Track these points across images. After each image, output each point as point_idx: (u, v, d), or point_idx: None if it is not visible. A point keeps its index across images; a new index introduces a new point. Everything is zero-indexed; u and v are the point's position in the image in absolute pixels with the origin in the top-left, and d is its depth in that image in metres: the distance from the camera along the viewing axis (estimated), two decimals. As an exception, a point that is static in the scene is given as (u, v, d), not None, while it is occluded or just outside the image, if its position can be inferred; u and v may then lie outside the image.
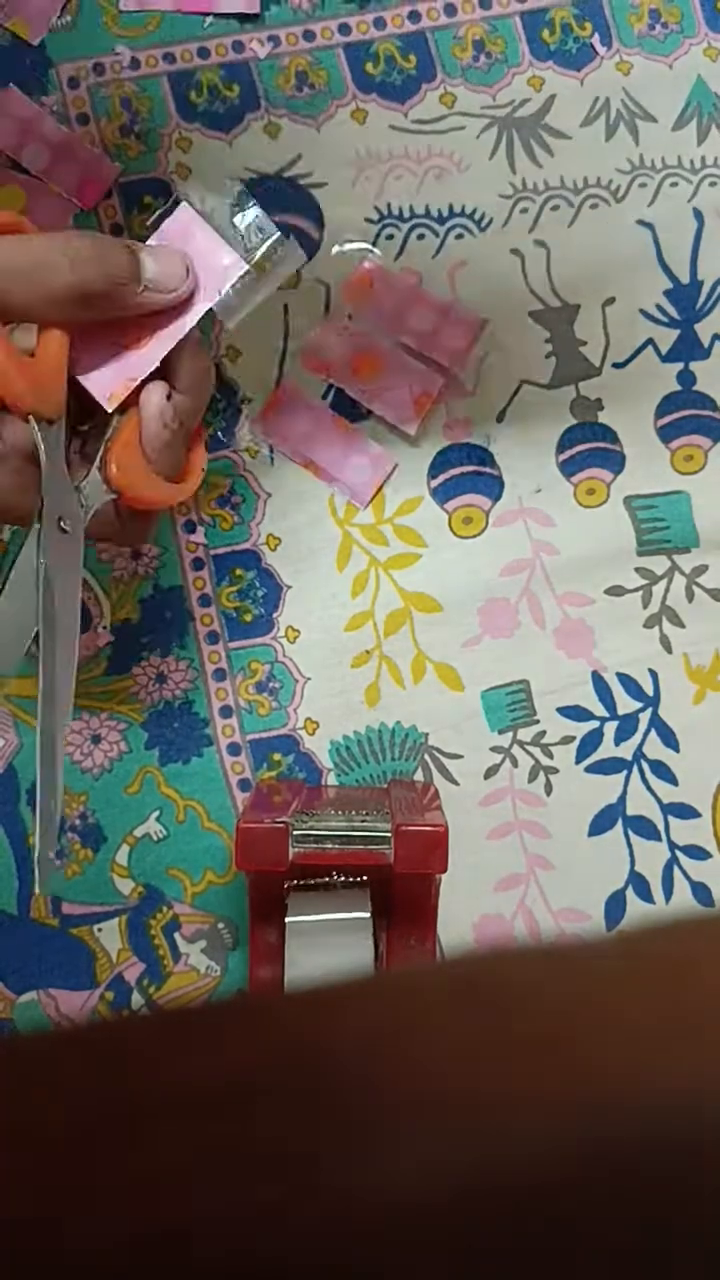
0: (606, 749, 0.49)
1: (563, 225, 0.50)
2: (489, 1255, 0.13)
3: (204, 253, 0.38)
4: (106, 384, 0.38)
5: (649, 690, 0.49)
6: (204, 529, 0.48)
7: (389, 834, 0.40)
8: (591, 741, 0.49)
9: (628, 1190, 0.13)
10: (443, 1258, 0.13)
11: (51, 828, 0.36)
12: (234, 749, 0.48)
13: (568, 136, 0.50)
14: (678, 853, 0.49)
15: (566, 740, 0.49)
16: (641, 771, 0.49)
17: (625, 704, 0.49)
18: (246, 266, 0.39)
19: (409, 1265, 0.13)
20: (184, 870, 0.48)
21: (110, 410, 0.38)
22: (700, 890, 0.49)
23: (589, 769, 0.49)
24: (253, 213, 0.45)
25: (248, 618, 0.48)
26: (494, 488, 0.49)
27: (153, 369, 0.38)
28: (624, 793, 0.49)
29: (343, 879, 0.42)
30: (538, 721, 0.49)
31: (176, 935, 0.47)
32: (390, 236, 0.49)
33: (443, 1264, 0.13)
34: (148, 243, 0.38)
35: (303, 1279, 0.13)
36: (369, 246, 0.49)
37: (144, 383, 0.38)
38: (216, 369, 0.48)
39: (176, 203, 0.41)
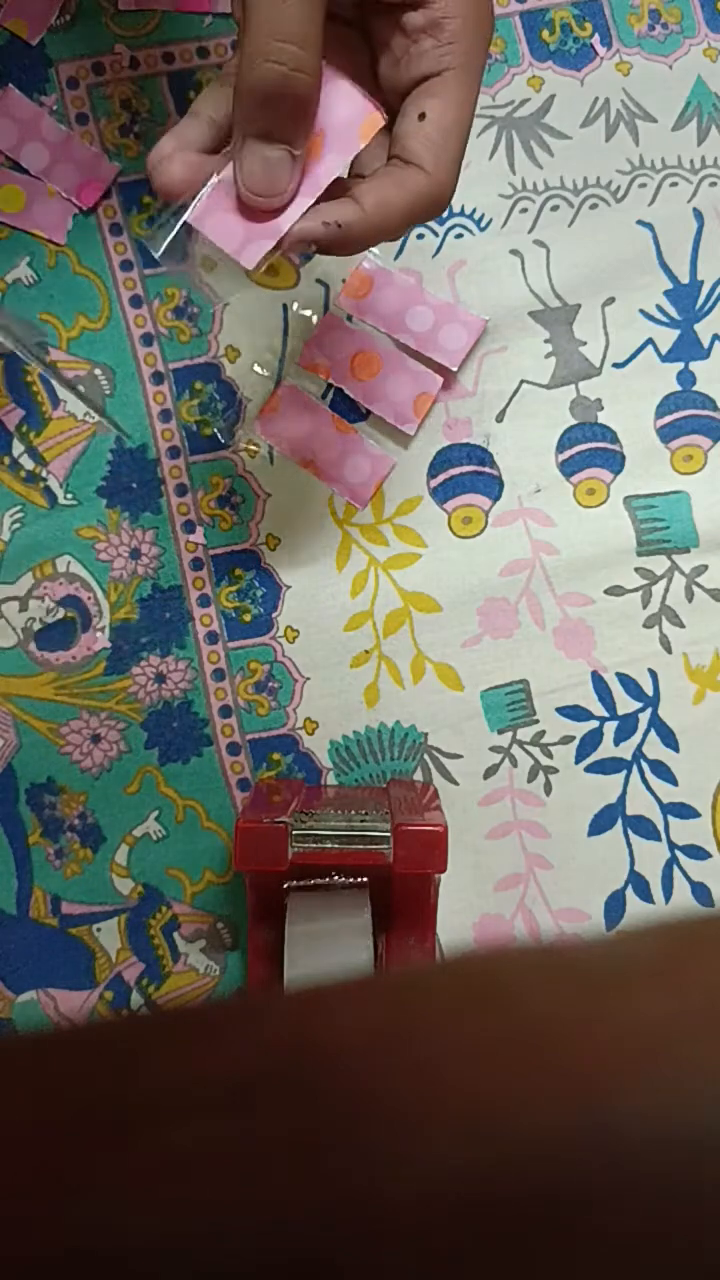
0: (606, 749, 0.49)
1: (563, 225, 0.50)
2: (489, 1254, 0.13)
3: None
4: (240, 240, 0.33)
5: (649, 690, 0.49)
6: (203, 529, 0.48)
7: (388, 834, 0.40)
8: (591, 741, 0.49)
9: (629, 1189, 0.13)
10: (443, 1256, 0.13)
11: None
12: (233, 749, 0.48)
13: (568, 136, 0.50)
14: (677, 853, 0.49)
15: (566, 740, 0.49)
16: (641, 771, 0.49)
17: (625, 704, 0.49)
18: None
19: (408, 1263, 0.13)
20: (183, 870, 0.48)
21: (250, 268, 0.33)
22: (700, 890, 0.49)
23: (589, 769, 0.49)
24: None
25: (247, 618, 0.48)
26: (494, 488, 0.49)
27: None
28: (624, 793, 0.49)
29: (342, 879, 0.41)
30: (537, 721, 0.49)
31: (176, 935, 0.47)
32: (390, 236, 0.49)
33: (443, 1262, 0.13)
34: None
35: (300, 1276, 0.13)
36: (369, 246, 0.49)
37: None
38: (215, 369, 0.49)
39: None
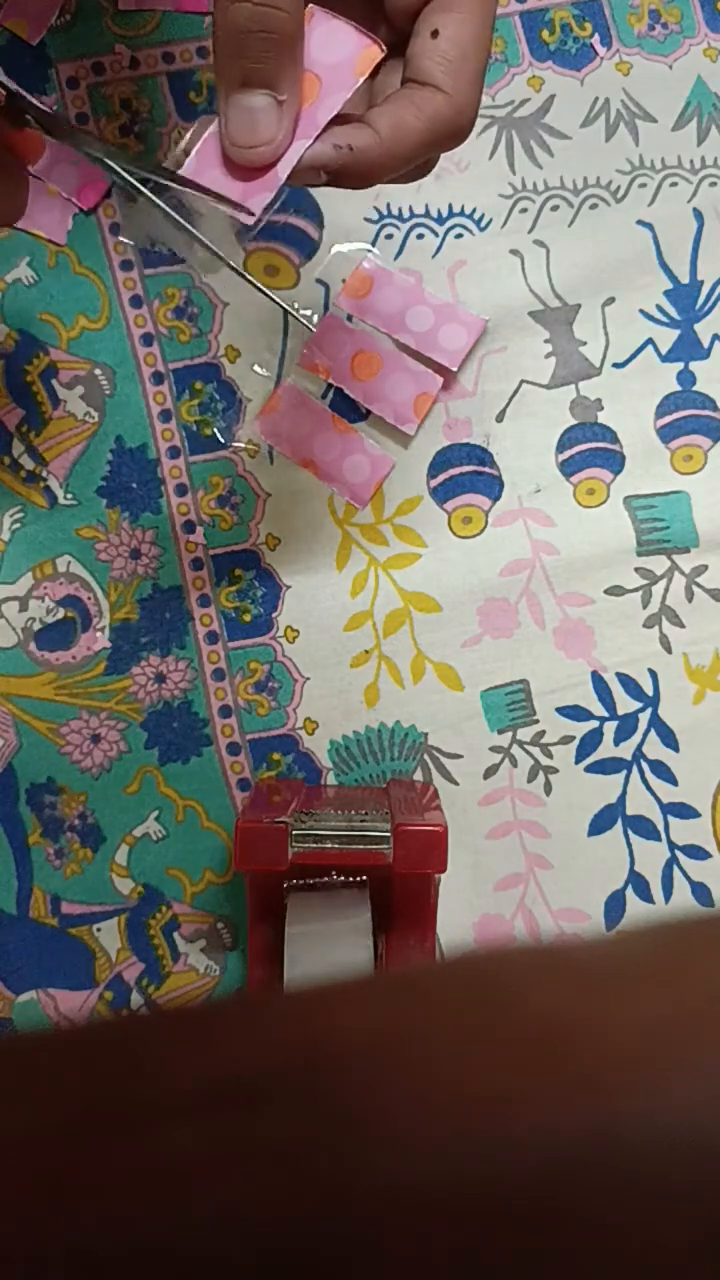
0: (606, 749, 0.49)
1: (563, 225, 0.50)
2: (487, 1253, 0.13)
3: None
4: (240, 191, 0.31)
5: (649, 690, 0.49)
6: (203, 529, 0.48)
7: (388, 834, 0.40)
8: (591, 741, 0.49)
9: (628, 1190, 0.13)
10: (442, 1255, 0.13)
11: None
12: (233, 749, 0.48)
13: (568, 136, 0.50)
14: (677, 853, 0.49)
15: (566, 740, 0.49)
16: (641, 771, 0.49)
17: (625, 704, 0.49)
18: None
19: (407, 1262, 0.13)
20: (183, 870, 0.48)
21: (256, 214, 0.32)
22: (700, 890, 0.49)
23: (589, 769, 0.49)
24: None
25: (247, 618, 0.48)
26: (494, 488, 0.49)
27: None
28: (623, 793, 0.49)
29: (342, 879, 0.41)
30: (537, 721, 0.49)
31: (176, 935, 0.47)
32: (390, 236, 0.49)
33: (442, 1261, 0.13)
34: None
35: (301, 1274, 0.13)
36: (369, 246, 0.49)
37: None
38: (215, 369, 0.49)
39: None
